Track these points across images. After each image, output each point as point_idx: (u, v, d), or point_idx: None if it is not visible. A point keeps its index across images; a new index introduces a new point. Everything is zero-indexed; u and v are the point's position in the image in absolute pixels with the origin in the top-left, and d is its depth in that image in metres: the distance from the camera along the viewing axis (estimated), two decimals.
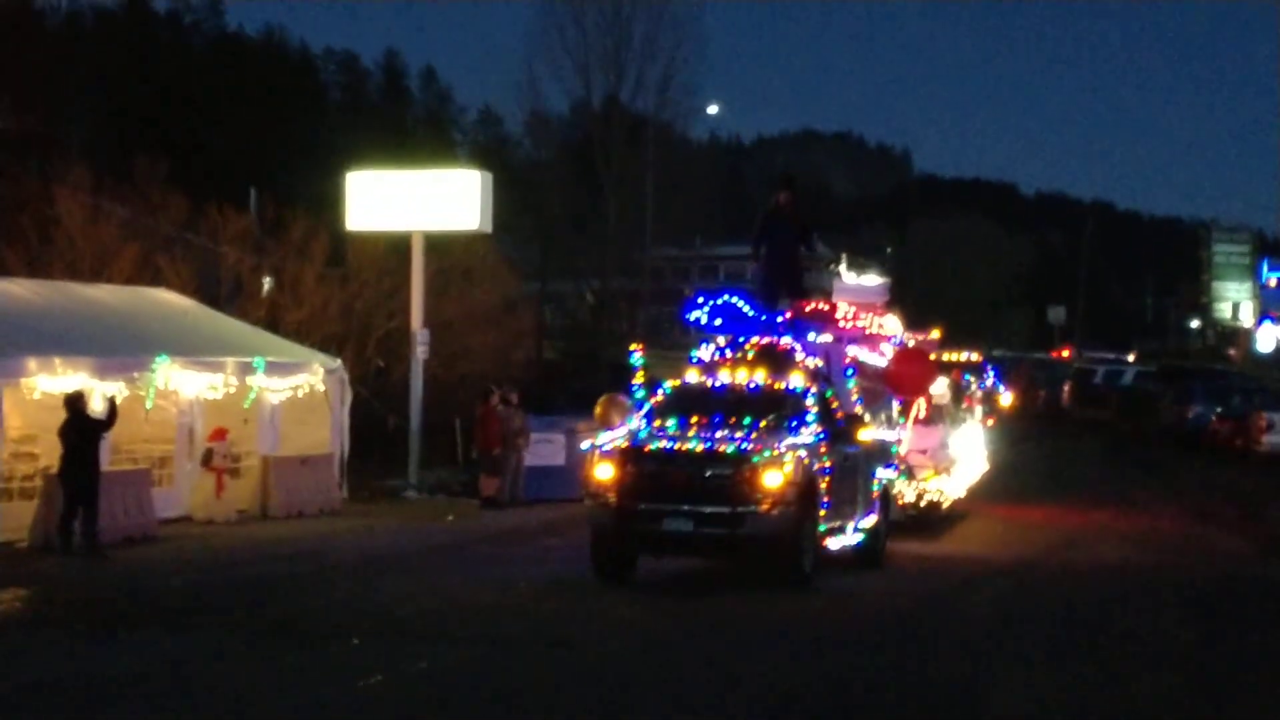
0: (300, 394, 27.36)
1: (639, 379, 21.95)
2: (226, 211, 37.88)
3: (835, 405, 21.28)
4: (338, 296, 37.32)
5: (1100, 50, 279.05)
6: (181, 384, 25.00)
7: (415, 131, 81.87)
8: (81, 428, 21.79)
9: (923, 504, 25.32)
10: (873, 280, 35.30)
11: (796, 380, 20.97)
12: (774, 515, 18.61)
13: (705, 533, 18.74)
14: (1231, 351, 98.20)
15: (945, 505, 26.38)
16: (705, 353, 22.28)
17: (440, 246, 35.66)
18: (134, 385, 23.81)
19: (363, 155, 39.85)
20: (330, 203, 35.61)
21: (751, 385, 20.91)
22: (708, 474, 18.75)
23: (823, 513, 19.63)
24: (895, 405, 25.30)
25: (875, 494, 22.10)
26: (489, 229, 33.09)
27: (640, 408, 21.04)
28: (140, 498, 23.65)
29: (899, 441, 24.49)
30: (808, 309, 23.26)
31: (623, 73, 58.00)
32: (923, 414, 26.46)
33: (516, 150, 72.28)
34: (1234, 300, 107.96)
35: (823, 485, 19.56)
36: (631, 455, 19.12)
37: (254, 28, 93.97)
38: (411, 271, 32.34)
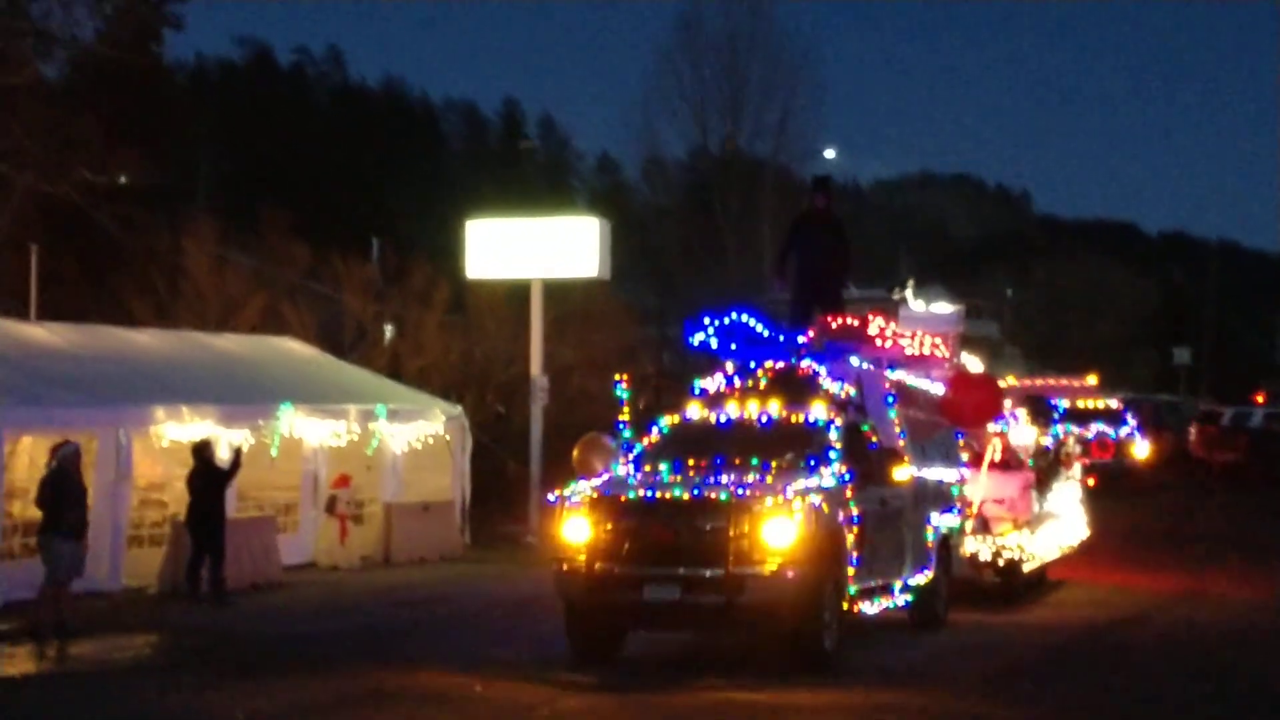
0: (422, 441, 27.59)
1: (625, 415, 18.61)
2: (349, 260, 38.43)
3: (874, 439, 18.09)
4: (458, 344, 37.67)
5: (1222, 88, 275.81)
6: (306, 431, 25.32)
7: (534, 179, 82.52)
8: (208, 476, 22.12)
9: (1000, 563, 21.76)
10: (944, 308, 29.96)
11: (818, 411, 17.66)
12: (782, 578, 15.27)
13: (696, 601, 15.44)
14: None
15: (1029, 566, 22.41)
16: (710, 382, 18.68)
17: (559, 293, 35.87)
18: (259, 433, 24.15)
19: (482, 203, 40.23)
20: (451, 250, 35.97)
21: (763, 419, 17.65)
22: (698, 528, 15.50)
23: (851, 571, 16.45)
24: (958, 441, 21.69)
25: (930, 544, 19.06)
26: (608, 275, 33.22)
27: (627, 449, 17.98)
28: (266, 544, 23.95)
29: (961, 481, 21.07)
30: (835, 325, 19.39)
31: (740, 118, 58.23)
32: (998, 456, 22.91)
33: (635, 196, 72.63)
34: None
35: (850, 537, 16.40)
36: (604, 507, 15.89)
37: (375, 79, 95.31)
38: (531, 318, 32.53)
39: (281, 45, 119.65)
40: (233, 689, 15.28)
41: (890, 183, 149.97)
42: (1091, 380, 37.16)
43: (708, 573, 15.36)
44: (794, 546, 15.34)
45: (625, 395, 18.86)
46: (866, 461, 17.42)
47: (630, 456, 17.56)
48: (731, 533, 15.36)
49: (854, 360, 19.20)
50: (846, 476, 16.70)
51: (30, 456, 21.11)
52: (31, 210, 38.28)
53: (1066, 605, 22.28)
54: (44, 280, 29.58)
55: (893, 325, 20.14)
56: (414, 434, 27.46)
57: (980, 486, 22.05)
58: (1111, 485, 39.57)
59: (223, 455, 22.69)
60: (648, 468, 16.98)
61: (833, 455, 16.86)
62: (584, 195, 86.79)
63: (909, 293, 26.02)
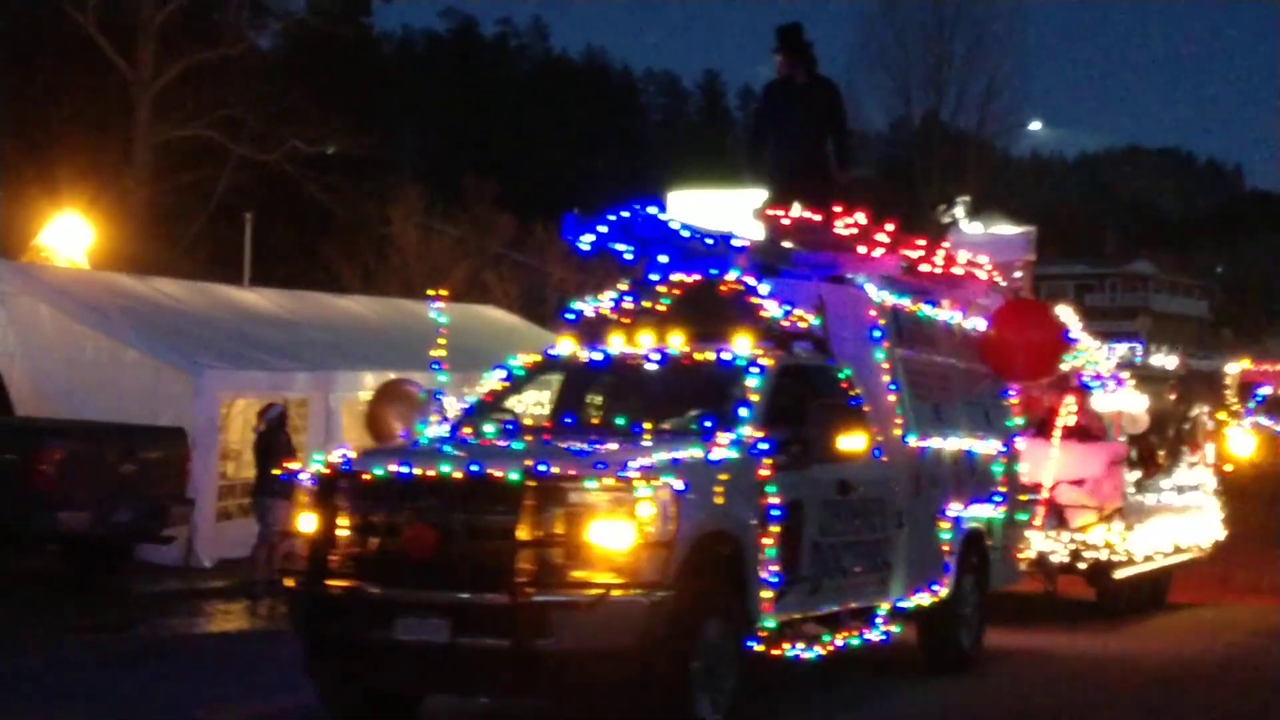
0: None
1: (441, 349, 13.42)
2: (551, 230, 38.83)
3: (855, 391, 12.01)
4: None
5: None
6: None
7: (734, 151, 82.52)
8: None
9: (1081, 566, 16.30)
10: (1008, 229, 22.25)
11: (739, 347, 11.66)
12: (614, 610, 9.35)
13: (470, 646, 9.46)
14: None
15: (1125, 572, 16.74)
16: (590, 304, 12.93)
17: None
18: (463, 400, 24.45)
19: (682, 175, 40.31)
20: None
21: (654, 356, 11.81)
22: (477, 527, 9.63)
23: (768, 594, 10.47)
24: (1006, 400, 14.99)
25: (945, 547, 13.11)
26: None
27: (438, 399, 12.39)
28: None
29: (1007, 456, 14.58)
30: (786, 218, 13.07)
31: (943, 90, 57.52)
32: (1073, 419, 16.94)
33: None
34: None
35: (763, 540, 10.41)
36: (343, 491, 10.08)
37: (577, 50, 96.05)
38: None
39: (486, 17, 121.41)
40: None
41: (1096, 156, 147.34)
42: None
43: (488, 599, 9.45)
44: (637, 557, 9.42)
45: (444, 321, 13.54)
46: (813, 425, 11.14)
47: (444, 411, 12.24)
48: (524, 535, 9.49)
49: (808, 266, 13.53)
50: (762, 446, 10.70)
51: (244, 419, 21.57)
52: (245, 179, 39.33)
53: (1174, 630, 16.85)
54: (257, 247, 30.24)
55: (889, 226, 13.27)
56: None
57: (1052, 463, 16.40)
58: None
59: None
60: (468, 430, 11.64)
61: (744, 414, 10.90)
62: None
63: (960, 211, 20.05)
